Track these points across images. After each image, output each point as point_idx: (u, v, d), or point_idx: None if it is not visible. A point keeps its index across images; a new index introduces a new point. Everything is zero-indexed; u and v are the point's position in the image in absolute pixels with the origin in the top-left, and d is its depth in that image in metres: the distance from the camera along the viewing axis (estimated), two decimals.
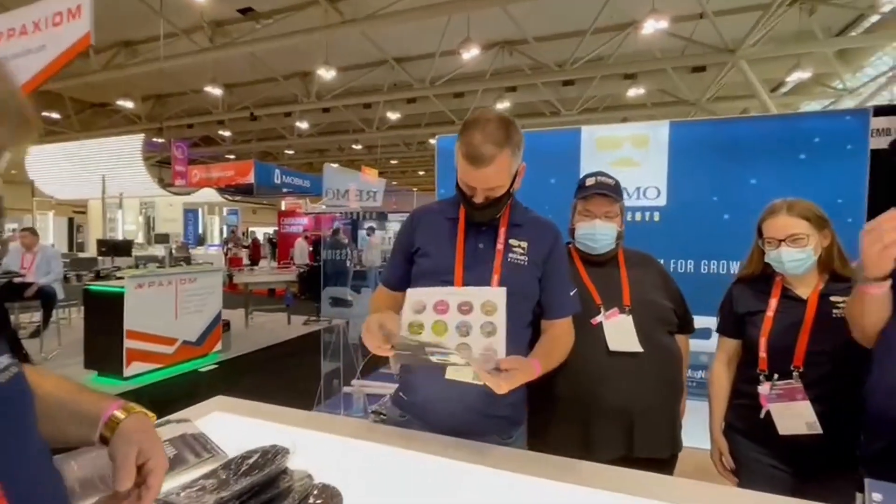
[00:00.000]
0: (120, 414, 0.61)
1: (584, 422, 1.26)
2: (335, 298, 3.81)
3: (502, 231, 1.13)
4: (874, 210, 1.97)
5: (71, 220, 15.49)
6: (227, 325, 5.04)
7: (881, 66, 10.03)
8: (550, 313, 1.15)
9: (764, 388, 1.25)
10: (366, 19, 8.09)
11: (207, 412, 1.00)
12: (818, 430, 1.17)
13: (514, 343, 1.01)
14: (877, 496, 0.61)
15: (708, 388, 1.45)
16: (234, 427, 0.95)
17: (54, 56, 3.92)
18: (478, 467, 0.87)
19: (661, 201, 2.23)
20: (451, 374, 1.03)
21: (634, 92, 10.97)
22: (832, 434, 1.17)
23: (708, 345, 2.10)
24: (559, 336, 1.14)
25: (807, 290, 1.28)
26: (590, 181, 1.39)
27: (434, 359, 0.91)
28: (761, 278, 1.36)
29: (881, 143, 1.96)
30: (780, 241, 1.25)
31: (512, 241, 1.12)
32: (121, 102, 12.64)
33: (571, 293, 1.19)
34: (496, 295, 0.99)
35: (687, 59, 9.45)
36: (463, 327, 0.98)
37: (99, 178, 8.91)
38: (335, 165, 4.30)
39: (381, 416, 1.39)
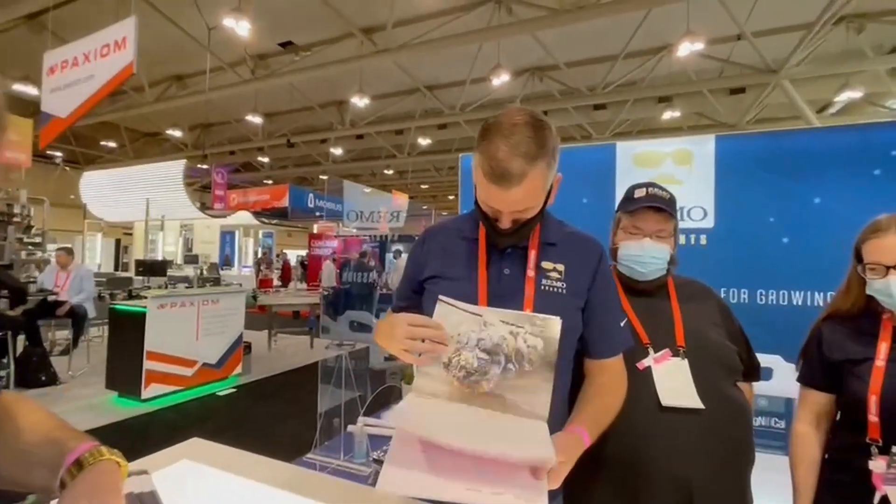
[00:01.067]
0: (88, 458, 0.52)
1: (630, 494, 1.00)
2: (357, 322, 3.69)
3: (532, 254, 0.90)
4: None
5: (118, 242, 16.35)
6: (248, 347, 5.01)
7: None
8: (597, 352, 0.92)
9: (878, 465, 0.95)
10: (398, 49, 8.29)
11: (176, 459, 0.86)
12: None
13: (553, 397, 0.80)
14: None
15: (790, 454, 1.15)
16: (199, 482, 0.81)
17: (100, 85, 4.14)
18: None
19: (709, 223, 2.00)
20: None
21: (669, 115, 10.70)
22: None
23: (768, 386, 1.82)
24: (609, 383, 0.91)
25: None
26: (639, 192, 1.15)
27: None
28: (862, 316, 1.08)
29: None
30: (890, 267, 0.98)
31: (545, 265, 0.90)
32: (170, 132, 13.44)
33: (622, 324, 0.96)
34: (550, 326, 0.76)
35: (725, 80, 9.14)
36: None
37: (144, 201, 9.36)
38: (354, 184, 4.27)
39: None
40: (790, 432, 1.17)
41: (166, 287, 5.11)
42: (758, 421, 1.90)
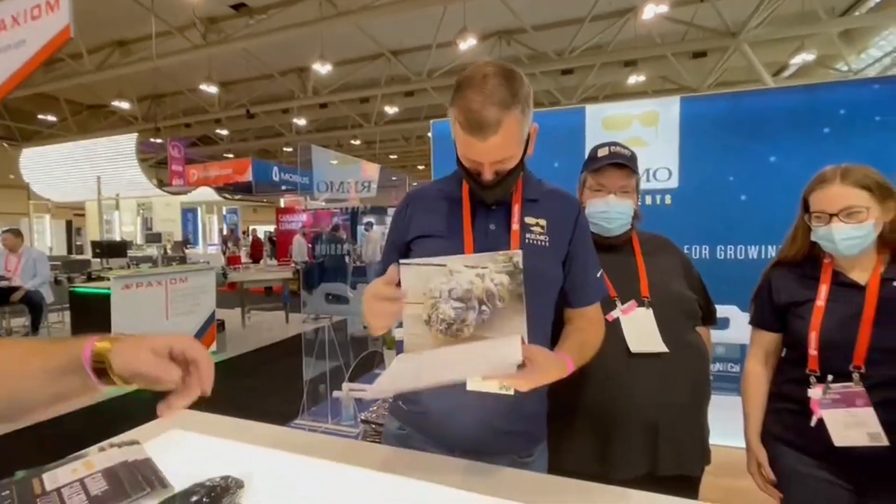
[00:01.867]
0: (103, 343, 0.54)
1: (603, 435, 1.09)
2: (332, 295, 3.68)
3: (516, 208, 0.93)
4: None
5: (69, 223, 15.41)
6: (221, 325, 4.91)
7: (886, 46, 9.82)
8: (577, 300, 0.97)
9: (815, 393, 1.06)
10: (360, 11, 7.93)
11: (164, 430, 0.87)
12: (883, 441, 0.99)
13: (535, 341, 0.82)
14: None
15: (742, 389, 1.27)
16: (191, 448, 0.82)
17: (35, 51, 3.78)
18: (485, 498, 0.72)
19: (673, 183, 2.08)
20: (474, 385, 0.86)
21: (635, 79, 10.79)
22: None
23: (725, 335, 1.96)
24: (588, 327, 0.96)
25: (864, 273, 1.08)
26: (602, 151, 1.20)
27: (450, 309, 0.75)
28: (806, 261, 1.17)
29: None
30: (833, 215, 1.05)
31: (528, 220, 0.93)
32: (116, 103, 12.52)
33: (598, 275, 1.00)
34: (514, 256, 0.77)
35: (688, 43, 9.25)
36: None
37: (94, 179, 8.80)
38: (323, 149, 4.13)
39: (373, 425, 1.26)
40: (744, 369, 1.28)
41: (129, 267, 4.90)
42: (716, 366, 2.05)
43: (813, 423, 1.06)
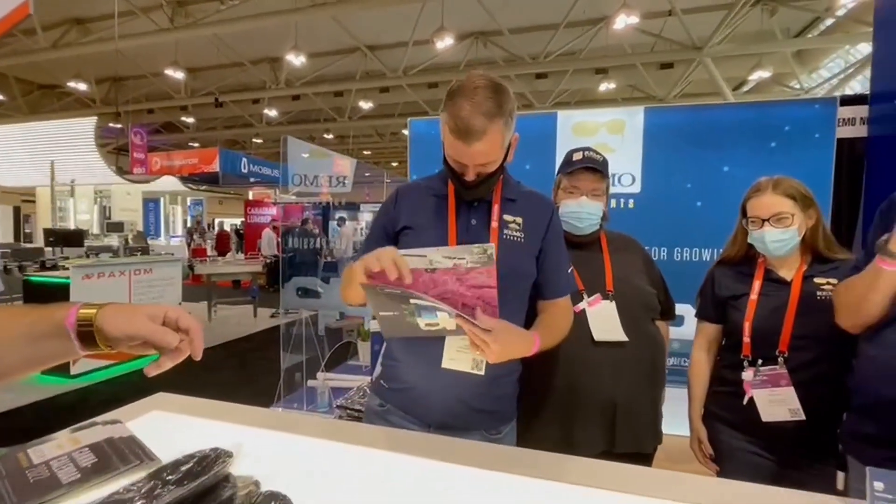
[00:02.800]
0: (87, 310, 0.56)
1: (567, 415, 1.20)
2: (303, 289, 3.66)
3: (496, 207, 1.03)
4: (839, 197, 2.01)
5: (17, 210, 14.48)
6: None
7: (834, 68, 10.56)
8: (548, 292, 1.06)
9: (748, 375, 1.21)
10: (337, 3, 7.83)
11: (145, 411, 0.88)
12: (801, 416, 1.15)
13: None
14: (878, 485, 0.58)
15: (687, 375, 1.41)
16: (174, 428, 0.84)
17: None
18: (456, 466, 0.78)
19: (636, 188, 2.21)
20: (448, 362, 0.95)
21: (605, 86, 11.14)
22: (814, 420, 1.15)
23: (680, 332, 2.10)
24: (558, 315, 1.06)
25: (790, 271, 1.24)
26: (577, 156, 1.30)
27: (422, 322, 0.82)
28: (743, 261, 1.32)
29: (847, 132, 1.99)
30: (764, 220, 1.21)
31: (507, 217, 1.03)
32: (72, 84, 11.85)
33: (569, 271, 1.11)
34: (488, 249, 0.84)
35: (656, 55, 9.64)
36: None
37: (47, 163, 8.31)
38: (300, 141, 4.07)
39: (348, 410, 1.30)
40: (690, 358, 1.43)
41: (87, 257, 4.69)
42: (671, 361, 2.19)
43: (745, 401, 1.21)
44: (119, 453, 0.68)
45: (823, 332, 1.14)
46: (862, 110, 1.97)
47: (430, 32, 8.29)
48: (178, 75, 10.82)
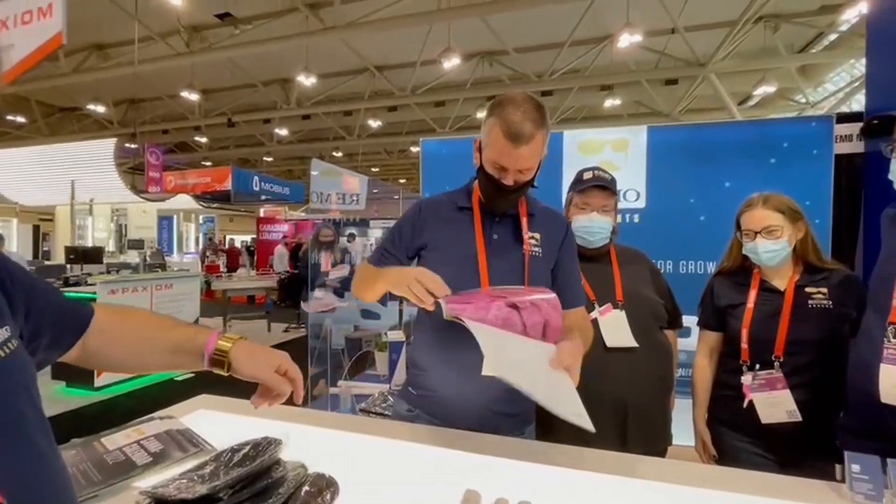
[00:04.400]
0: (224, 343, 0.69)
1: None
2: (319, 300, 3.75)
3: (524, 220, 1.10)
4: (839, 211, 2.07)
5: (37, 228, 14.85)
6: None
7: (840, 82, 10.59)
8: (566, 303, 1.08)
9: (746, 379, 1.28)
10: (346, 27, 8.10)
11: (192, 410, 0.97)
12: (798, 417, 1.21)
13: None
14: (855, 467, 0.64)
15: (692, 382, 1.48)
16: (220, 424, 0.92)
17: (24, 55, 3.80)
18: (478, 456, 0.86)
19: (641, 204, 2.29)
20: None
21: (611, 103, 11.27)
22: (811, 421, 1.21)
23: (687, 343, 2.15)
24: (580, 322, 1.11)
25: (783, 281, 1.32)
26: (587, 175, 1.40)
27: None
28: (740, 271, 1.40)
29: (844, 148, 2.07)
30: (757, 233, 1.30)
31: (530, 232, 1.10)
32: (91, 107, 12.26)
33: (582, 283, 1.18)
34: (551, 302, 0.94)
35: (660, 71, 9.78)
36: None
37: (67, 183, 8.58)
38: (324, 163, 4.24)
39: (370, 413, 1.37)
40: (693, 364, 1.50)
41: (109, 273, 4.84)
42: (679, 372, 2.23)
43: (745, 404, 1.28)
44: (180, 442, 0.77)
45: (816, 338, 1.22)
46: (858, 127, 2.05)
47: (437, 53, 8.51)
48: (193, 97, 11.17)
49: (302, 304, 3.81)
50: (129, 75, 9.70)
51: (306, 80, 9.81)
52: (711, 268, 2.20)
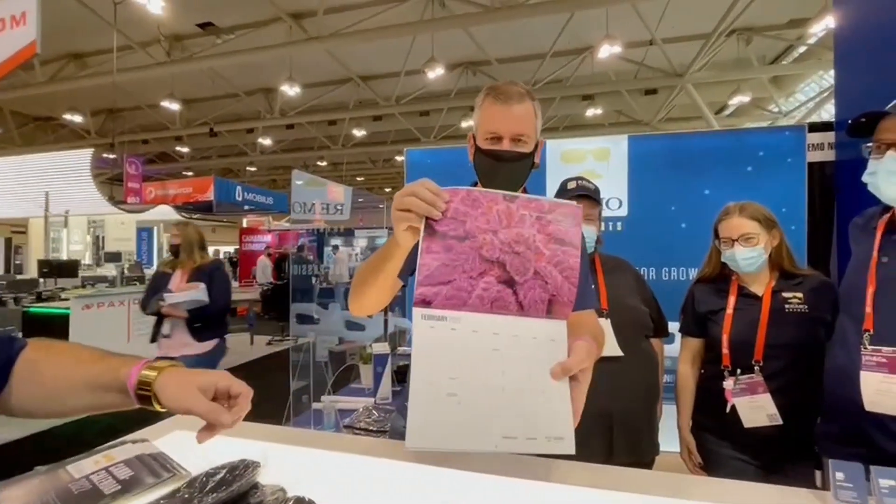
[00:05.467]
0: (149, 373, 0.60)
1: None
2: (301, 315, 3.69)
3: None
4: (814, 218, 2.12)
5: (9, 241, 14.36)
6: None
7: (810, 92, 11.05)
8: (577, 304, 1.05)
9: (728, 384, 1.30)
10: (330, 37, 8.11)
11: (167, 431, 0.93)
12: (778, 420, 1.23)
13: None
14: (839, 475, 0.65)
15: (675, 389, 1.49)
16: (197, 445, 0.88)
17: None
18: (466, 473, 0.84)
19: (623, 212, 2.32)
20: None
21: (593, 112, 11.49)
22: (791, 424, 1.23)
23: (671, 349, 2.17)
24: (588, 323, 1.00)
25: (760, 287, 1.35)
26: (571, 184, 1.42)
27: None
28: (719, 278, 1.43)
29: (817, 156, 2.13)
30: (734, 240, 1.33)
31: None
32: (68, 116, 12.00)
33: (592, 286, 1.14)
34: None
35: (640, 82, 10.02)
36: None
37: (41, 194, 8.34)
38: (305, 174, 4.22)
39: (355, 430, 1.34)
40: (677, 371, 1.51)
41: (84, 287, 4.69)
42: (666, 378, 2.25)
43: (728, 409, 1.29)
44: (152, 468, 0.73)
45: (793, 342, 1.24)
46: (829, 136, 2.11)
47: (422, 63, 8.59)
48: (174, 107, 11.02)
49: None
50: (108, 84, 9.51)
51: (290, 90, 9.78)
52: (693, 274, 2.24)
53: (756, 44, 8.86)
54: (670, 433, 1.51)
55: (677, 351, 2.18)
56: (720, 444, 1.34)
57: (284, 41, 8.35)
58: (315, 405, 1.77)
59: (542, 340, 0.72)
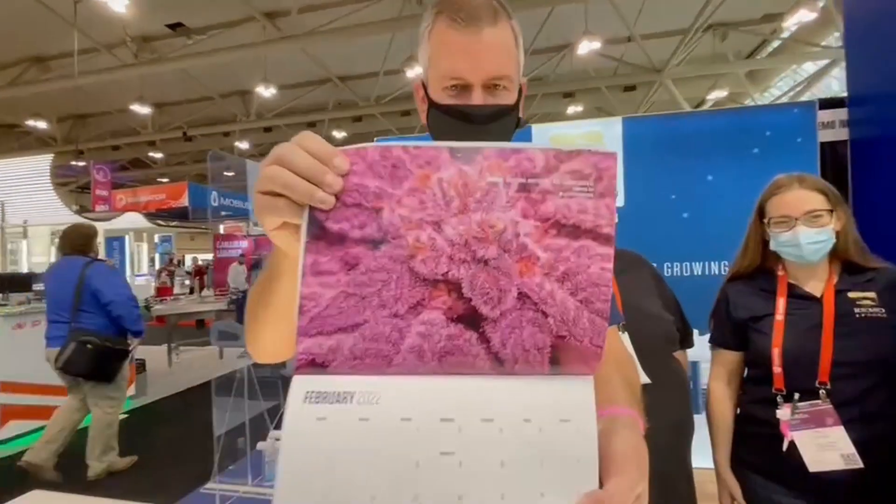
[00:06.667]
0: None
1: None
2: (223, 332, 3.19)
3: None
4: None
5: None
6: (142, 365, 4.40)
7: (784, 86, 11.27)
8: None
9: (784, 413, 0.99)
10: (305, 36, 7.84)
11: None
12: (858, 463, 0.93)
13: None
14: None
15: (707, 413, 1.19)
16: None
17: None
18: None
19: (619, 202, 2.10)
20: None
21: (574, 109, 11.47)
22: (875, 468, 0.94)
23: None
24: (618, 358, 0.62)
25: (818, 285, 1.05)
26: None
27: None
28: (760, 274, 1.13)
29: (828, 136, 1.95)
30: (796, 219, 1.00)
31: None
32: (31, 122, 11.44)
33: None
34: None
35: (619, 78, 10.03)
36: None
37: None
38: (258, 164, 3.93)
39: None
40: (707, 391, 1.21)
41: (29, 303, 4.29)
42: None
43: (785, 446, 0.99)
44: None
45: (870, 357, 0.95)
46: (840, 113, 1.94)
47: (401, 62, 8.37)
48: (145, 111, 10.58)
49: None
50: (72, 89, 9.07)
51: (266, 92, 9.48)
52: (699, 269, 2.03)
53: (732, 39, 8.95)
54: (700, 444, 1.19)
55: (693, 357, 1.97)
56: (774, 490, 1.03)
57: (258, 41, 8.06)
58: (260, 444, 1.45)
59: (542, 426, 0.34)
